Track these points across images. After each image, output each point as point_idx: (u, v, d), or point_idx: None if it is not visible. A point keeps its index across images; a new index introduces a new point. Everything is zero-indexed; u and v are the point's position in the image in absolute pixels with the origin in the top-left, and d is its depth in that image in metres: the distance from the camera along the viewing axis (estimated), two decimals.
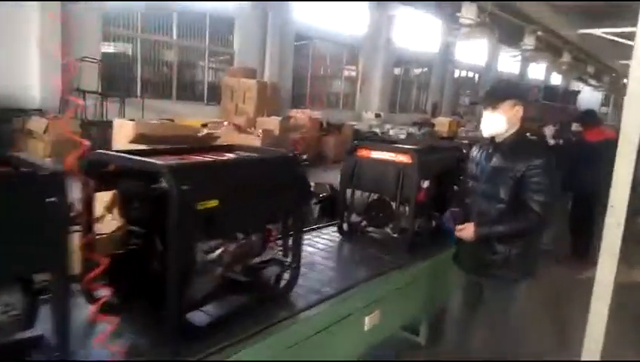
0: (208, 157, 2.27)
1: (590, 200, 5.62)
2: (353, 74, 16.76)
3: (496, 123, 2.57)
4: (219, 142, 9.29)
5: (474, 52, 22.09)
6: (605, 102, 22.05)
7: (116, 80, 10.41)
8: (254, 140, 9.08)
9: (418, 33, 18.26)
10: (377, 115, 16.62)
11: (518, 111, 2.58)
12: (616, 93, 11.52)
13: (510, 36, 6.20)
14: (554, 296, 4.89)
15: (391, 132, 14.96)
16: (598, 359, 2.72)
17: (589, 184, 5.46)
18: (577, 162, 5.42)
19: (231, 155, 2.36)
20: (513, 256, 2.58)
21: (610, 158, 5.62)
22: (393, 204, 3.24)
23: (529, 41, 5.35)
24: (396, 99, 18.99)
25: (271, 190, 2.18)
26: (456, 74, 22.65)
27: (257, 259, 2.32)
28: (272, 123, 9.56)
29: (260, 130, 9.13)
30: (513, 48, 6.67)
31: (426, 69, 20.48)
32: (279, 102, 11.44)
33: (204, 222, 1.88)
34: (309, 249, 3.12)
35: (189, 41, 11.59)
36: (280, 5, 12.63)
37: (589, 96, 26.15)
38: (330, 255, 3.11)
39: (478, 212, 2.64)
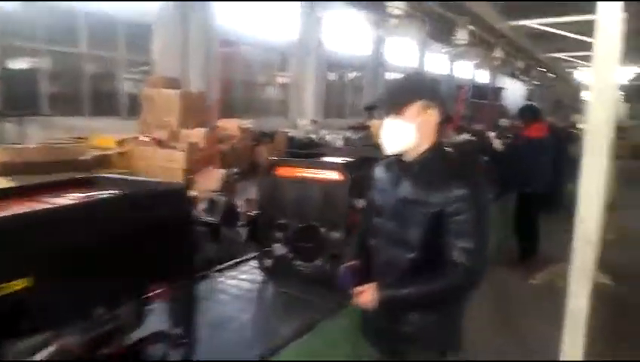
0: (46, 202, 1.55)
1: (536, 199, 5.31)
2: (286, 80, 16.16)
3: (402, 134, 1.78)
4: (134, 161, 8.40)
5: (405, 53, 22.16)
6: (530, 97, 22.83)
7: (18, 98, 9.21)
8: (178, 155, 8.26)
9: (348, 35, 17.96)
10: (313, 121, 16.11)
11: (432, 116, 1.81)
12: (543, 86, 11.72)
13: (441, 31, 5.89)
14: (511, 305, 4.49)
15: (327, 137, 14.49)
16: None
17: (535, 182, 5.14)
18: (521, 160, 5.10)
19: (80, 195, 1.64)
20: (430, 326, 1.84)
21: (557, 153, 5.19)
22: (323, 231, 2.63)
23: (461, 36, 4.96)
24: (331, 103, 18.58)
25: (140, 242, 1.50)
26: (389, 76, 22.63)
27: (131, 338, 1.62)
28: (198, 135, 8.75)
29: (185, 144, 8.30)
30: (444, 44, 6.41)
31: (359, 73, 20.26)
32: (206, 113, 10.60)
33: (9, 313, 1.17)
34: (221, 297, 2.45)
35: (102, 50, 10.52)
36: (201, 8, 11.80)
37: (512, 92, 27.07)
38: (248, 304, 2.45)
39: (384, 262, 1.87)
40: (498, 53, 5.54)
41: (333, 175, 2.48)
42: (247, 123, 10.47)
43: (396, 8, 4.94)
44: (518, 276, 5.08)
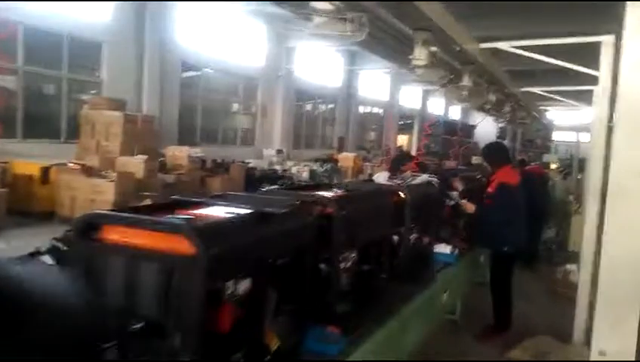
0: None
1: (513, 258, 4.38)
2: (252, 108, 15.19)
3: None
4: (59, 191, 7.17)
5: (377, 87, 21.58)
6: (501, 135, 22.38)
7: None
8: (107, 186, 7.08)
9: (320, 67, 17.21)
10: (279, 151, 15.11)
11: None
12: (515, 124, 11.12)
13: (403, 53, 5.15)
14: None
15: (293, 169, 13.49)
16: None
17: (512, 239, 4.22)
18: (493, 213, 4.17)
19: None
20: None
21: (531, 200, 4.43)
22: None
23: (419, 55, 4.07)
24: (301, 134, 17.66)
25: None
26: (362, 109, 21.97)
27: None
28: (135, 164, 7.59)
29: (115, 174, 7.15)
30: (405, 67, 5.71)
31: (332, 105, 19.50)
32: (154, 139, 9.48)
33: None
34: None
35: (41, 67, 9.38)
36: (158, 26, 10.82)
37: (485, 130, 26.70)
38: None
39: None
40: (466, 81, 4.76)
41: (177, 244, 1.42)
42: (198, 151, 9.34)
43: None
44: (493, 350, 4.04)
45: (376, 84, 21.53)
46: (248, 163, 12.39)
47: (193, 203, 1.99)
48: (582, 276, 3.73)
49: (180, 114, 12.15)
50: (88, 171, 7.26)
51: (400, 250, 3.24)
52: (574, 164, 17.01)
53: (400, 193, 3.15)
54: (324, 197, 2.48)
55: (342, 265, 2.53)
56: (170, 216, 1.68)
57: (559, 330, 4.31)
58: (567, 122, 17.43)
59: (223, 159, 12.36)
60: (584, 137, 18.79)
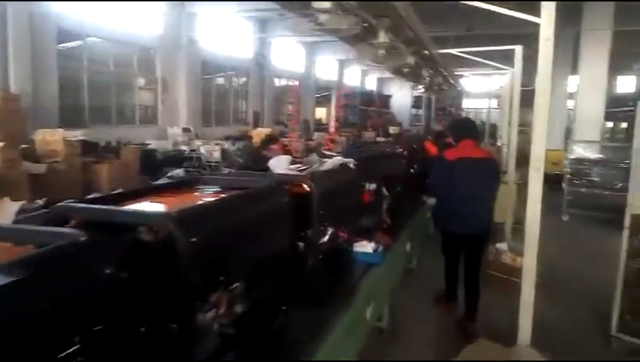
0: None
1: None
2: (152, 83, 13.47)
3: None
4: None
5: (291, 58, 20.47)
6: (416, 104, 22.36)
7: None
8: None
9: (227, 35, 15.72)
10: (186, 130, 13.64)
11: None
12: (432, 91, 10.73)
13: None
14: None
15: (202, 149, 12.16)
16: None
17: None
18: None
19: None
20: None
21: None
22: None
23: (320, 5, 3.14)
24: (211, 110, 16.20)
25: None
26: (277, 82, 20.78)
27: None
28: None
29: None
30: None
31: (244, 78, 18.12)
32: (24, 122, 7.79)
33: None
34: None
35: None
36: None
37: (400, 100, 26.68)
38: None
39: None
40: (382, 37, 3.98)
41: None
42: (78, 134, 7.79)
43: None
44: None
45: (291, 54, 20.41)
46: (147, 144, 10.91)
47: None
48: (526, 263, 3.07)
49: (62, 91, 10.30)
50: None
51: (308, 260, 2.35)
52: (486, 130, 17.33)
53: (303, 185, 2.24)
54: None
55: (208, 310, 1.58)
56: None
57: (499, 327, 3.71)
58: (478, 89, 17.57)
59: (119, 141, 10.78)
60: (493, 104, 19.22)
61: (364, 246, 3.04)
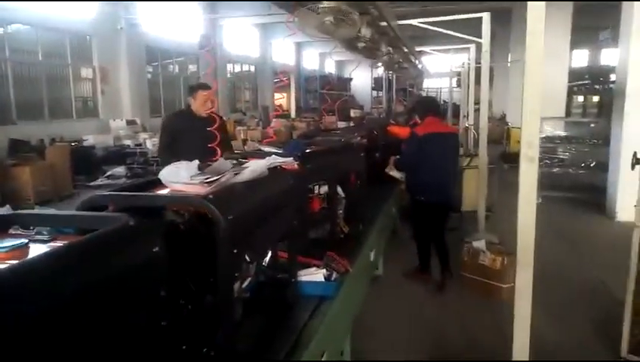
0: None
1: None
2: (89, 70, 12.17)
3: None
4: None
5: (245, 42, 19.36)
6: (376, 86, 21.66)
7: None
8: None
9: (174, 17, 14.48)
10: (130, 122, 12.48)
11: None
12: (392, 69, 10.04)
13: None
14: None
15: (148, 143, 11.07)
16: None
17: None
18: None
19: None
20: None
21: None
22: None
23: None
24: (159, 99, 15.00)
25: None
26: (231, 67, 19.63)
27: None
28: None
29: None
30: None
31: (194, 65, 16.91)
32: None
33: None
34: None
35: None
36: None
37: (360, 82, 25.94)
38: None
39: None
40: (326, 2, 3.25)
41: None
42: None
43: None
44: None
45: (244, 38, 19.29)
46: (83, 140, 9.75)
47: None
48: (520, 279, 2.37)
49: None
50: None
51: (221, 320, 1.57)
52: (448, 110, 16.82)
53: (205, 209, 1.45)
54: None
55: None
56: None
57: (486, 342, 3.05)
58: (439, 68, 16.98)
59: (53, 138, 9.57)
60: (454, 83, 18.72)
61: (313, 274, 2.27)
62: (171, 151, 3.97)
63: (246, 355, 1.70)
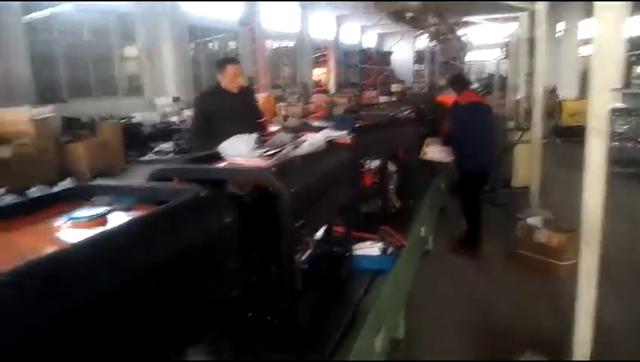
0: None
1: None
2: (134, 50, 12.43)
3: None
4: None
5: (284, 17, 19.21)
6: (419, 59, 21.08)
7: None
8: None
9: None
10: (175, 99, 12.70)
11: None
12: (437, 40, 9.74)
13: None
14: None
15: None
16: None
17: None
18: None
19: None
20: None
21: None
22: None
23: None
24: (202, 77, 15.19)
25: None
26: (271, 44, 19.56)
27: None
28: None
29: None
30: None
31: (233, 42, 16.96)
32: None
33: None
34: None
35: None
36: None
37: (401, 56, 25.30)
38: None
39: None
40: None
41: None
42: (46, 111, 6.91)
43: None
44: None
45: (283, 13, 19.14)
46: (132, 117, 10.03)
47: None
48: (585, 260, 2.27)
49: (35, 66, 9.37)
50: None
51: (281, 292, 1.59)
52: (494, 83, 16.19)
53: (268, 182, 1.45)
54: None
55: None
56: None
57: (539, 331, 2.96)
58: (484, 40, 16.35)
59: (102, 117, 9.90)
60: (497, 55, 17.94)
61: (369, 248, 2.25)
62: (207, 133, 3.60)
63: (307, 326, 1.72)
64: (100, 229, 1.00)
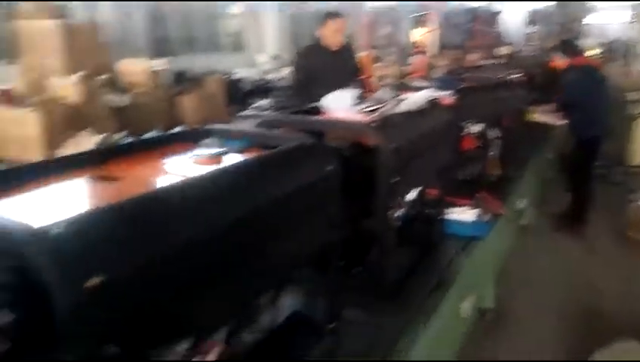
0: None
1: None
2: (237, 8, 12.79)
3: None
4: None
5: None
6: (532, 20, 19.28)
7: None
8: (29, 117, 5.47)
9: None
10: (275, 57, 12.97)
11: None
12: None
13: None
14: None
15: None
16: None
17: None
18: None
19: None
20: None
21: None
22: None
23: None
24: (302, 34, 15.28)
25: None
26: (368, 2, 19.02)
27: None
28: (66, 86, 5.88)
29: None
30: None
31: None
32: (107, 53, 7.60)
33: None
34: None
35: None
36: None
37: (510, 16, 23.31)
38: None
39: None
40: None
41: None
42: (162, 63, 7.42)
43: None
44: None
45: None
46: (233, 73, 10.44)
47: None
48: None
49: (154, 21, 10.05)
50: (10, 99, 5.61)
51: (374, 246, 1.63)
52: (617, 49, 14.41)
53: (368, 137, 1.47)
54: None
55: None
56: None
57: None
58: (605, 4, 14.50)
59: (206, 71, 10.44)
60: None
61: (464, 214, 2.20)
62: (306, 90, 3.45)
63: (394, 281, 1.75)
64: (218, 166, 1.10)
